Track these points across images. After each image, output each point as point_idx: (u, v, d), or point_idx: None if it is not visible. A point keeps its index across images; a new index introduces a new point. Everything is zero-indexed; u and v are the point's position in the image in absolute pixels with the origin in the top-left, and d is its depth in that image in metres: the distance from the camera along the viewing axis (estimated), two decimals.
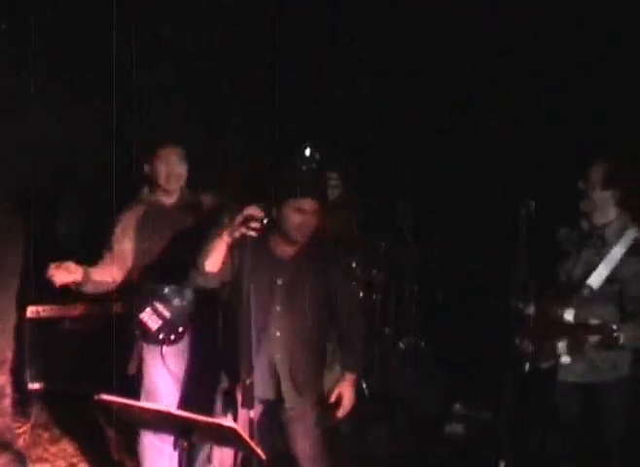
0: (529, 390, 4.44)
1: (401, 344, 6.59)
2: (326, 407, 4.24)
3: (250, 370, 3.76)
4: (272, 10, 6.82)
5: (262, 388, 3.97)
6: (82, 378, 5.75)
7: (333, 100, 7.04)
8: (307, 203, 3.90)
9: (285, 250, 4.03)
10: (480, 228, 6.84)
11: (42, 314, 5.71)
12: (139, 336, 4.68)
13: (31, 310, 5.63)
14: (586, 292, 4.14)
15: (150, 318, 4.62)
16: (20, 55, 6.20)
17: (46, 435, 5.41)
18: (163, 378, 4.64)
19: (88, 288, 4.41)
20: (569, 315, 4.11)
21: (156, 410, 3.41)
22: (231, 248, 3.86)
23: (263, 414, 4.18)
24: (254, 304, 3.79)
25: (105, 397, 3.27)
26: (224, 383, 4.07)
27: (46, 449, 5.28)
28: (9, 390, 4.16)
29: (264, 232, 3.78)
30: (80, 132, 6.46)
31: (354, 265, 6.32)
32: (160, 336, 4.62)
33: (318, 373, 4.24)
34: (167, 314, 4.62)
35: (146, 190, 4.73)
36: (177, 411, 3.29)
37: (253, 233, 3.72)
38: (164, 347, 4.62)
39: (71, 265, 4.21)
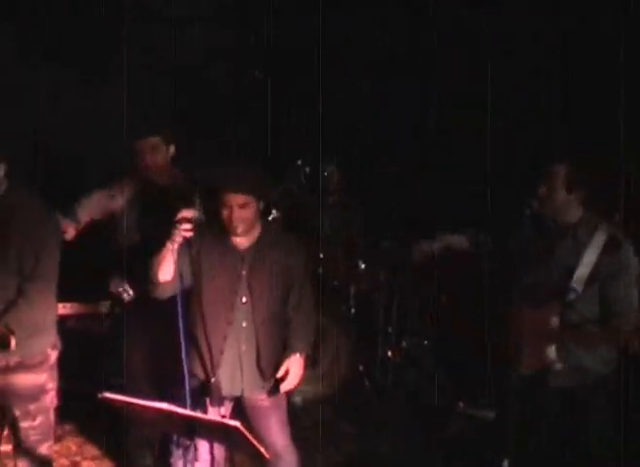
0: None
1: (404, 343, 6.59)
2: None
3: (216, 367, 4.02)
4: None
5: (230, 385, 4.09)
6: (86, 377, 5.76)
7: (332, 99, 7.03)
8: (232, 197, 4.00)
9: (240, 242, 4.12)
10: (483, 227, 6.83)
11: None
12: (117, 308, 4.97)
13: None
14: (572, 295, 4.12)
15: (125, 291, 4.82)
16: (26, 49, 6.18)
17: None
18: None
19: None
20: (555, 322, 4.12)
21: (159, 408, 3.41)
22: (179, 252, 4.00)
23: (234, 411, 4.23)
24: (217, 298, 4.04)
25: (109, 395, 3.28)
26: (193, 381, 4.03)
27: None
28: (51, 387, 4.18)
29: (196, 230, 3.97)
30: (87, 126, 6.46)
31: (362, 265, 6.34)
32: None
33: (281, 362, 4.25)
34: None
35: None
36: (180, 409, 3.29)
37: (188, 234, 3.95)
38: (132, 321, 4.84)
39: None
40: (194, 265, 4.03)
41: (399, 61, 6.73)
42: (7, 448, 4.41)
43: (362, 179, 6.53)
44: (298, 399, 5.76)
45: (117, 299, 4.79)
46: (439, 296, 6.56)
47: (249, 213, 4.03)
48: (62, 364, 5.69)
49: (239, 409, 4.25)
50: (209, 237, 4.09)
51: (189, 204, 4.39)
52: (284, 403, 4.30)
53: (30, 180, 5.73)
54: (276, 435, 4.23)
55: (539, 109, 6.29)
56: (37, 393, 4.11)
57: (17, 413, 4.06)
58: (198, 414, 3.24)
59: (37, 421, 4.11)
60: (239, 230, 4.04)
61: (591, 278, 4.09)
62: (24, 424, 4.08)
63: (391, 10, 6.59)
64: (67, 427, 5.57)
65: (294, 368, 4.16)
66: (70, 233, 4.63)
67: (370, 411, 5.98)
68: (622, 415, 4.21)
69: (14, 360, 4.00)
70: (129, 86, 6.45)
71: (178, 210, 4.09)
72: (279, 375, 4.13)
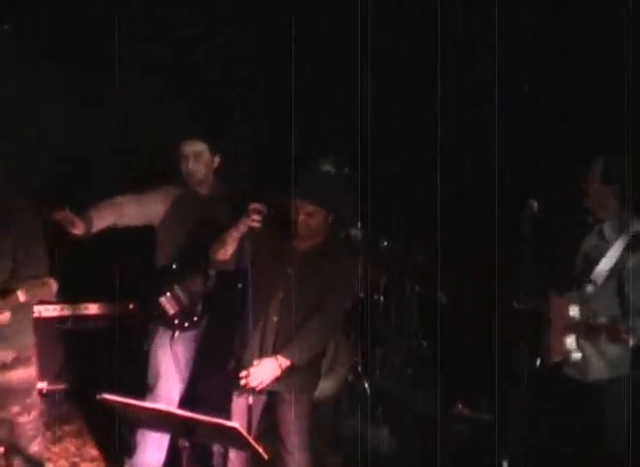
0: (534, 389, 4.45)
1: (403, 345, 6.59)
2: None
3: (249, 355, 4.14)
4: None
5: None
6: (84, 378, 5.76)
7: (337, 101, 7.04)
8: (300, 203, 4.17)
9: (299, 244, 4.26)
10: (483, 228, 6.83)
11: (44, 314, 5.72)
12: (155, 318, 4.75)
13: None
14: (589, 288, 4.14)
15: (168, 302, 4.73)
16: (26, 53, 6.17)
17: (48, 434, 5.40)
18: (168, 364, 4.71)
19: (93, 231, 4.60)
20: (574, 311, 4.11)
21: (157, 409, 3.42)
22: (242, 239, 4.19)
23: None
24: (261, 289, 4.18)
25: (107, 396, 3.28)
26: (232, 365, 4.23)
27: (48, 449, 5.27)
28: (38, 384, 4.28)
29: (264, 223, 4.16)
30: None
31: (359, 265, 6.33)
32: (175, 321, 4.71)
33: (310, 365, 4.28)
34: (186, 301, 4.70)
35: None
36: (178, 410, 3.30)
37: (255, 225, 4.14)
38: (177, 333, 4.68)
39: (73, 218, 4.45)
40: (250, 252, 4.21)
41: (400, 61, 6.70)
42: None
43: (362, 179, 6.50)
44: None
45: (161, 310, 4.74)
46: (438, 296, 6.55)
47: (314, 222, 4.18)
48: (63, 365, 5.75)
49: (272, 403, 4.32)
50: (273, 233, 4.26)
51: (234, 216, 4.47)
52: (303, 401, 4.31)
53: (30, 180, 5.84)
54: (290, 431, 4.28)
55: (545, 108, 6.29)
56: (31, 387, 4.17)
57: (16, 409, 4.08)
58: (196, 415, 3.23)
59: (32, 415, 4.15)
60: (299, 234, 4.19)
61: (612, 273, 4.13)
62: (22, 419, 4.10)
63: (391, 10, 6.56)
64: (67, 428, 5.58)
65: (261, 367, 4.14)
66: (78, 228, 4.50)
67: (368, 412, 5.96)
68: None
69: (10, 356, 4.05)
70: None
71: (219, 223, 4.33)
72: (243, 372, 4.15)
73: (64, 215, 4.44)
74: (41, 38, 6.20)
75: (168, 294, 4.72)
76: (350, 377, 6.16)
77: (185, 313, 4.72)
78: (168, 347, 4.71)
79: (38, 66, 6.28)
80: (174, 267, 4.75)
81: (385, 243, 6.42)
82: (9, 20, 6.07)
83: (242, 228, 4.17)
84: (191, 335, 4.77)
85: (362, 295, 6.47)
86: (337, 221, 4.36)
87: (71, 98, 6.39)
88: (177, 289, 4.72)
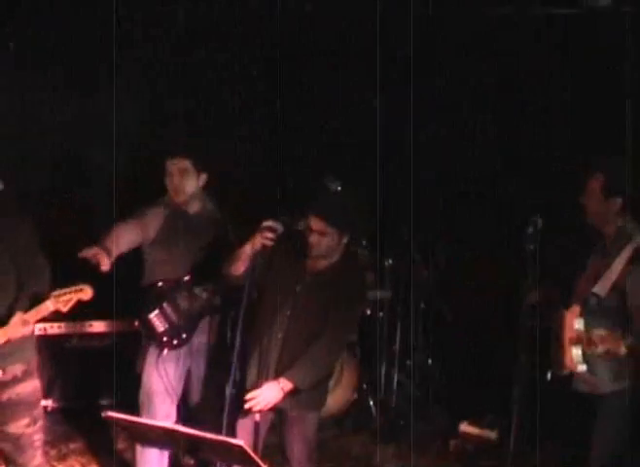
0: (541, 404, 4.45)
1: (408, 362, 6.58)
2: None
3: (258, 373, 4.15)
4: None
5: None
6: (89, 395, 5.76)
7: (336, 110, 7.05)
8: (314, 221, 4.12)
9: (311, 263, 4.23)
10: (487, 245, 6.84)
11: (49, 332, 5.72)
12: (144, 335, 4.76)
13: (39, 328, 5.60)
14: (593, 301, 4.14)
15: (158, 319, 4.71)
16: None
17: (53, 452, 5.40)
18: (159, 382, 4.70)
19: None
20: (579, 324, 4.12)
21: (162, 427, 3.42)
22: (255, 255, 4.18)
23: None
24: (268, 306, 4.20)
25: (113, 414, 3.28)
26: (232, 387, 4.18)
27: (53, 466, 5.28)
28: (40, 396, 4.26)
29: (277, 241, 4.15)
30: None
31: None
32: (164, 339, 4.70)
33: (317, 386, 4.25)
34: (175, 318, 4.72)
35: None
36: (183, 428, 3.29)
37: (269, 243, 4.13)
38: (165, 351, 4.69)
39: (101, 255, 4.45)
40: (261, 269, 4.21)
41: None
42: None
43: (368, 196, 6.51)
44: None
45: (150, 327, 4.73)
46: (443, 313, 6.55)
47: (327, 241, 4.14)
48: (68, 382, 5.74)
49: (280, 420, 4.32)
50: (285, 251, 4.23)
51: (223, 233, 4.62)
52: (311, 418, 4.31)
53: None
54: (295, 449, 4.28)
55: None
56: (38, 398, 4.21)
57: (26, 421, 4.10)
58: (202, 433, 3.23)
59: (37, 425, 4.17)
60: (312, 253, 4.16)
61: (615, 287, 4.11)
62: (29, 430, 4.12)
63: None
64: (72, 446, 5.57)
65: (265, 391, 4.11)
66: (105, 264, 4.49)
67: (374, 429, 5.96)
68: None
69: (20, 369, 4.08)
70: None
71: (208, 240, 4.38)
72: (248, 395, 4.12)
73: (94, 252, 4.46)
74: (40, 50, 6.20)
75: (157, 311, 4.72)
76: (355, 395, 6.15)
77: (173, 331, 4.70)
78: (158, 365, 4.69)
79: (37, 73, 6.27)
80: (163, 284, 4.73)
81: (390, 261, 6.42)
82: (13, 39, 6.07)
83: (256, 244, 4.15)
84: (180, 353, 4.76)
85: (368, 312, 6.48)
86: (352, 242, 4.33)
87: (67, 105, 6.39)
88: (166, 306, 4.72)
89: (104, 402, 5.74)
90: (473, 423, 5.97)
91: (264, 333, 4.21)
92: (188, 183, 4.73)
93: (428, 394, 6.46)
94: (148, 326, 4.72)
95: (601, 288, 4.14)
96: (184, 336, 4.72)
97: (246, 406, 4.11)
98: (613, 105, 5.78)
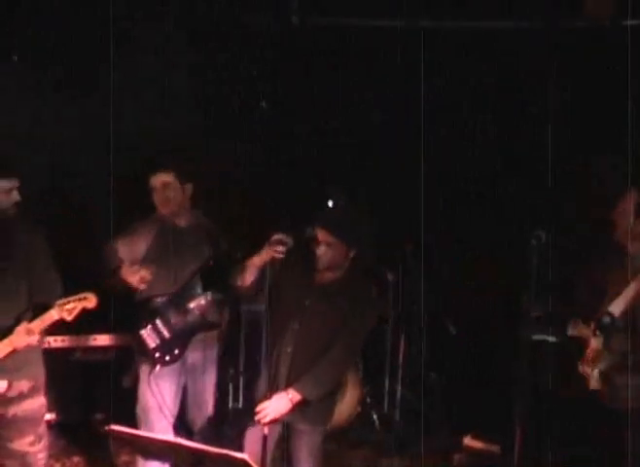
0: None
1: (411, 376, 6.57)
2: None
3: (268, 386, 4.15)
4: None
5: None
6: (93, 409, 5.76)
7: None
8: (321, 233, 4.17)
9: (319, 277, 4.26)
10: (490, 259, 6.84)
11: (53, 345, 5.72)
12: (136, 351, 4.77)
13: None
14: (606, 319, 4.14)
15: (149, 335, 4.71)
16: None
17: (58, 465, 5.40)
18: (152, 399, 4.71)
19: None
20: (595, 342, 4.13)
21: (165, 440, 3.42)
22: (263, 268, 4.21)
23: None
24: (277, 320, 4.23)
25: (116, 428, 3.28)
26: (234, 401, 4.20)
27: None
28: (45, 413, 4.27)
29: (286, 254, 4.17)
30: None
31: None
32: (156, 355, 4.70)
33: (325, 399, 4.26)
34: (167, 334, 4.71)
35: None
36: (186, 442, 3.30)
37: (279, 256, 4.16)
38: (157, 367, 4.69)
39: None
40: (271, 282, 4.20)
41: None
42: None
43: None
44: None
45: (141, 343, 4.74)
46: (447, 327, 6.55)
47: (333, 254, 4.17)
48: (72, 396, 5.74)
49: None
50: (294, 265, 4.26)
51: (215, 245, 4.65)
52: (317, 433, 4.31)
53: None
54: (301, 463, 4.28)
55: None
56: (42, 415, 4.20)
57: (31, 438, 4.08)
58: (205, 447, 3.23)
59: (42, 443, 4.15)
60: (319, 266, 4.19)
61: (629, 306, 4.12)
62: (34, 449, 4.10)
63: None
64: (75, 459, 5.56)
65: (273, 401, 4.14)
66: (145, 277, 4.58)
67: (377, 442, 5.95)
68: None
69: (27, 386, 4.07)
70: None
71: (200, 253, 4.38)
72: (258, 407, 4.14)
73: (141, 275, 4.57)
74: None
75: (149, 327, 4.72)
76: (359, 408, 6.14)
77: (165, 347, 4.70)
78: (151, 382, 4.68)
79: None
80: (154, 300, 4.73)
81: (393, 277, 6.42)
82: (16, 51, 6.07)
83: (264, 257, 4.19)
84: (174, 369, 4.76)
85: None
86: (359, 257, 4.32)
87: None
88: (157, 322, 4.71)
89: (106, 416, 5.73)
90: (476, 437, 5.96)
91: (273, 347, 4.24)
92: (172, 195, 4.73)
93: (431, 408, 6.46)
94: (140, 342, 4.72)
95: (616, 307, 4.14)
96: (176, 352, 4.71)
97: (256, 418, 4.13)
98: (613, 106, 5.81)
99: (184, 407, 4.90)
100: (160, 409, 4.70)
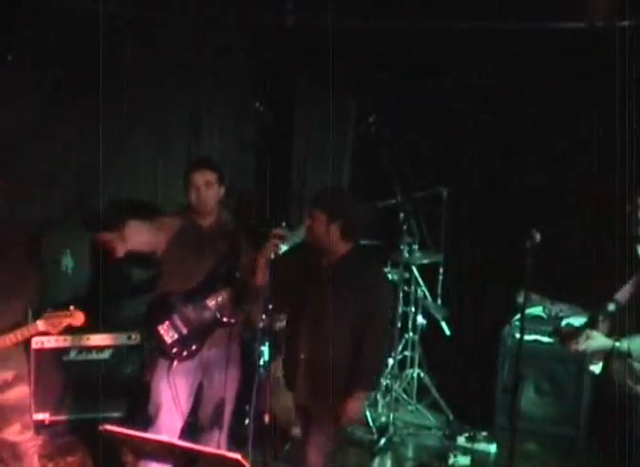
0: None
1: (407, 375, 6.58)
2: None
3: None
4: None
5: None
6: (87, 409, 5.75)
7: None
8: (312, 214, 4.23)
9: (319, 260, 4.30)
10: (485, 259, 6.84)
11: (47, 345, 5.71)
12: (153, 347, 4.80)
13: (36, 341, 5.62)
14: (611, 307, 4.17)
15: (166, 331, 4.71)
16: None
17: (51, 465, 5.39)
18: (168, 395, 4.72)
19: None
20: (603, 327, 4.19)
21: (159, 440, 3.41)
22: (270, 265, 4.23)
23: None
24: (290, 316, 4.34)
25: (109, 428, 3.27)
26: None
27: None
28: (28, 403, 4.37)
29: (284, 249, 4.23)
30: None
31: None
32: (173, 350, 4.70)
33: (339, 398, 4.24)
34: (184, 330, 4.71)
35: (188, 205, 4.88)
36: (180, 442, 3.29)
37: (278, 250, 4.21)
38: (175, 363, 4.69)
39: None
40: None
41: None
42: None
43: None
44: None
45: (159, 339, 4.74)
46: (442, 326, 6.55)
47: (319, 227, 4.21)
48: (65, 396, 5.72)
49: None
50: (294, 256, 4.34)
51: (236, 248, 4.65)
52: (322, 438, 4.33)
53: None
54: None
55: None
56: (27, 404, 4.31)
57: (18, 427, 4.20)
58: (199, 447, 3.22)
59: (30, 433, 4.27)
60: (312, 244, 4.26)
61: (634, 295, 4.16)
62: (22, 438, 4.22)
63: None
64: (69, 459, 5.54)
65: (350, 405, 4.17)
66: (120, 251, 4.60)
67: (371, 442, 5.95)
68: None
69: (11, 375, 4.17)
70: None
71: (223, 253, 4.38)
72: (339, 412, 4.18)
73: (109, 238, 4.59)
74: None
75: (167, 323, 4.72)
76: None
77: (183, 342, 4.71)
78: (167, 378, 4.70)
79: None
80: (173, 296, 4.74)
81: (389, 276, 6.43)
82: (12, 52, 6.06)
83: (266, 252, 4.25)
84: (191, 366, 4.76)
85: None
86: (347, 232, 4.29)
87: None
88: (176, 318, 4.72)
89: (102, 415, 5.72)
90: (471, 437, 5.96)
91: (287, 353, 4.36)
92: (212, 195, 4.79)
93: (426, 408, 6.46)
94: (157, 337, 4.73)
95: (622, 295, 4.21)
96: (193, 347, 4.72)
97: (342, 423, 4.24)
98: (614, 107, 5.83)
99: (196, 404, 4.90)
100: (173, 406, 4.72)
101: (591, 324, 4.32)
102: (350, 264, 4.26)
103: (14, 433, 4.18)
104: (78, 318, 4.14)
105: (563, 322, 4.34)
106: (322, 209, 4.20)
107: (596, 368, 4.26)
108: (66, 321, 4.12)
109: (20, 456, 4.22)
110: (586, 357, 4.31)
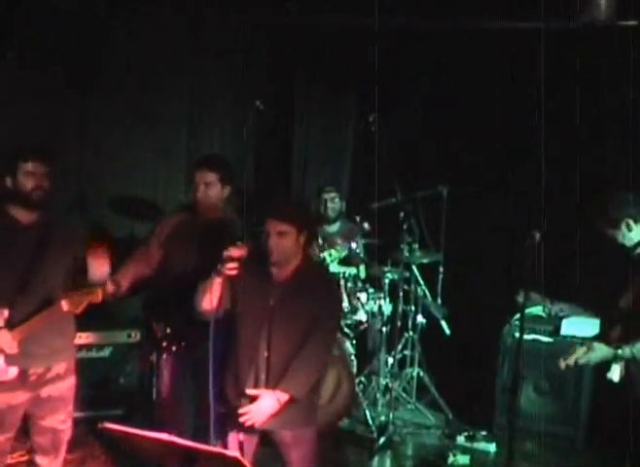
0: None
1: (406, 374, 6.58)
2: None
3: (241, 395, 4.07)
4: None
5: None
6: (87, 407, 5.75)
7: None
8: (272, 224, 4.08)
9: (277, 272, 4.17)
10: (485, 258, 6.85)
11: None
12: (151, 343, 4.92)
13: None
14: (616, 312, 4.19)
15: (157, 325, 4.73)
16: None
17: None
18: (167, 391, 4.81)
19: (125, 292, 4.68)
20: (614, 332, 4.19)
21: (158, 438, 3.41)
22: (224, 284, 4.11)
23: (260, 440, 4.23)
24: (247, 326, 4.12)
25: (109, 426, 3.28)
26: (219, 406, 4.14)
27: None
28: (74, 393, 4.40)
29: (240, 269, 4.06)
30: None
31: (364, 296, 6.34)
32: (164, 344, 4.77)
33: (309, 396, 4.18)
34: (176, 325, 4.72)
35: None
36: (179, 440, 3.29)
37: (232, 273, 4.05)
38: (164, 355, 4.79)
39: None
40: (233, 292, 4.15)
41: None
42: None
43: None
44: None
45: (152, 334, 4.81)
46: (442, 325, 6.56)
47: (287, 242, 4.09)
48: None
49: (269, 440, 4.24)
50: (252, 268, 4.14)
51: (234, 240, 4.43)
52: (307, 440, 4.22)
53: None
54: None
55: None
56: (73, 394, 4.39)
57: (62, 416, 4.31)
58: (198, 445, 3.22)
59: (69, 423, 4.38)
60: (274, 257, 4.09)
61: (637, 300, 4.16)
62: (64, 426, 4.34)
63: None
64: (69, 457, 5.45)
65: (259, 402, 4.05)
66: (109, 289, 4.44)
67: (370, 441, 5.95)
68: None
69: (64, 368, 4.28)
70: None
71: (224, 247, 4.16)
72: (241, 409, 4.06)
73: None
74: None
75: (160, 318, 4.80)
76: (352, 406, 6.14)
77: (172, 337, 4.77)
78: (168, 374, 4.77)
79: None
80: (167, 292, 4.75)
81: (389, 276, 6.43)
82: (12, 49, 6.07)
83: (221, 275, 4.09)
84: (187, 361, 4.79)
85: (365, 325, 6.49)
86: (310, 241, 4.28)
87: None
88: (168, 313, 4.75)
89: (102, 413, 5.73)
90: (471, 437, 5.96)
91: (250, 354, 4.13)
92: (212, 195, 4.82)
93: (426, 407, 6.46)
94: (152, 333, 4.81)
95: (624, 300, 4.21)
96: (182, 344, 4.76)
97: (241, 419, 4.05)
98: (613, 108, 5.84)
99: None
100: (176, 403, 4.79)
101: (601, 336, 4.34)
102: (304, 270, 4.19)
103: (57, 421, 4.29)
104: (97, 295, 4.14)
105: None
106: (286, 221, 4.09)
107: (614, 375, 4.23)
108: (87, 299, 4.12)
109: (58, 445, 4.34)
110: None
